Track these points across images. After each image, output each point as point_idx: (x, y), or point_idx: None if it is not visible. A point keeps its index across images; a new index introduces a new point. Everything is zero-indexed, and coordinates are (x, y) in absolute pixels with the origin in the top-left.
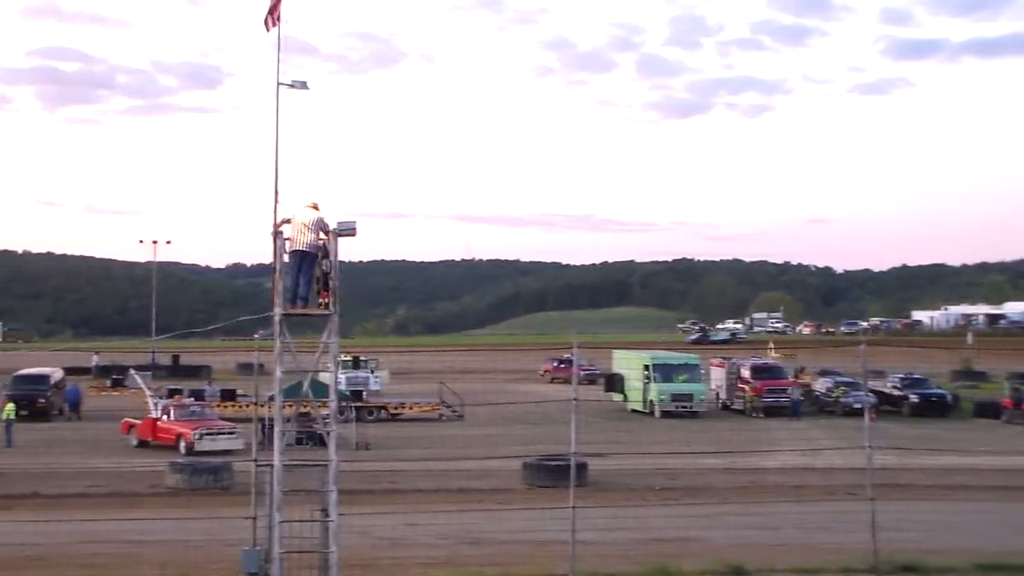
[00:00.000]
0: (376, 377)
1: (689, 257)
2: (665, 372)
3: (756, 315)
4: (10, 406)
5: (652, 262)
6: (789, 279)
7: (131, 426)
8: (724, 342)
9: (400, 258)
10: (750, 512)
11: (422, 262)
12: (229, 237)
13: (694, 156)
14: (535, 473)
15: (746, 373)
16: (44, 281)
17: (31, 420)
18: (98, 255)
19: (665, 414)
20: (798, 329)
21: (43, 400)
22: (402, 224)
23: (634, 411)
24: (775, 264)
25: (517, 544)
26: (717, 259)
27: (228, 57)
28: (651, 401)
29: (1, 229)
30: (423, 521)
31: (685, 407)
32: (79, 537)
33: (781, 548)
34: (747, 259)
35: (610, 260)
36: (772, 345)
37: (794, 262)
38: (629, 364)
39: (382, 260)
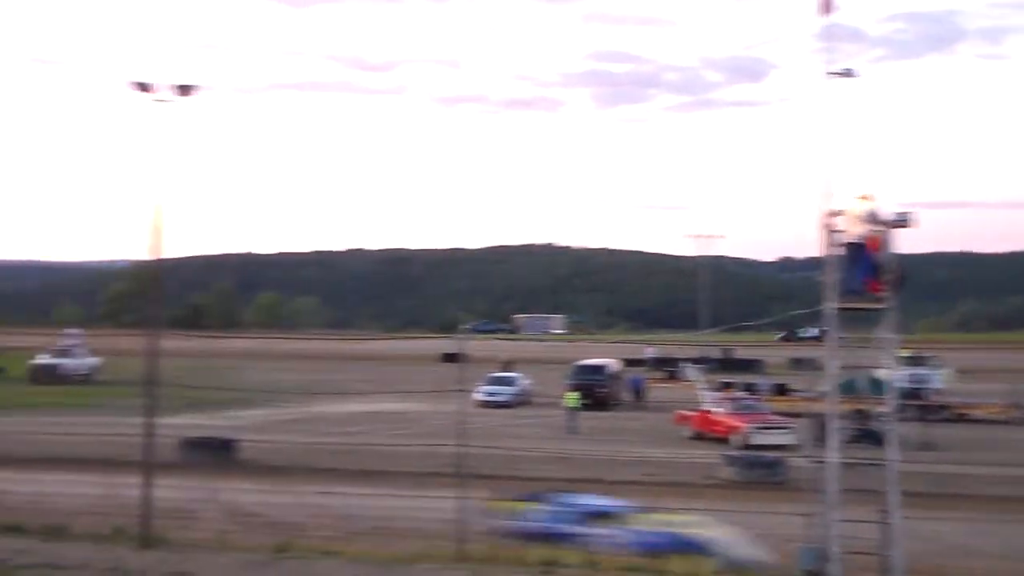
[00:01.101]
0: (939, 375)
1: None
2: None
3: None
4: (573, 395)
5: None
6: None
7: (685, 418)
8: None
9: (962, 249)
10: None
11: (987, 253)
12: (779, 230)
13: None
14: None
15: None
16: (601, 275)
17: (591, 408)
18: (650, 250)
19: None
20: None
21: (602, 389)
22: (962, 213)
23: None
24: None
25: None
26: None
27: (773, 49)
28: None
29: (563, 226)
30: (992, 530)
31: None
32: None
33: None
34: None
35: None
36: None
37: None
38: None
39: (942, 252)
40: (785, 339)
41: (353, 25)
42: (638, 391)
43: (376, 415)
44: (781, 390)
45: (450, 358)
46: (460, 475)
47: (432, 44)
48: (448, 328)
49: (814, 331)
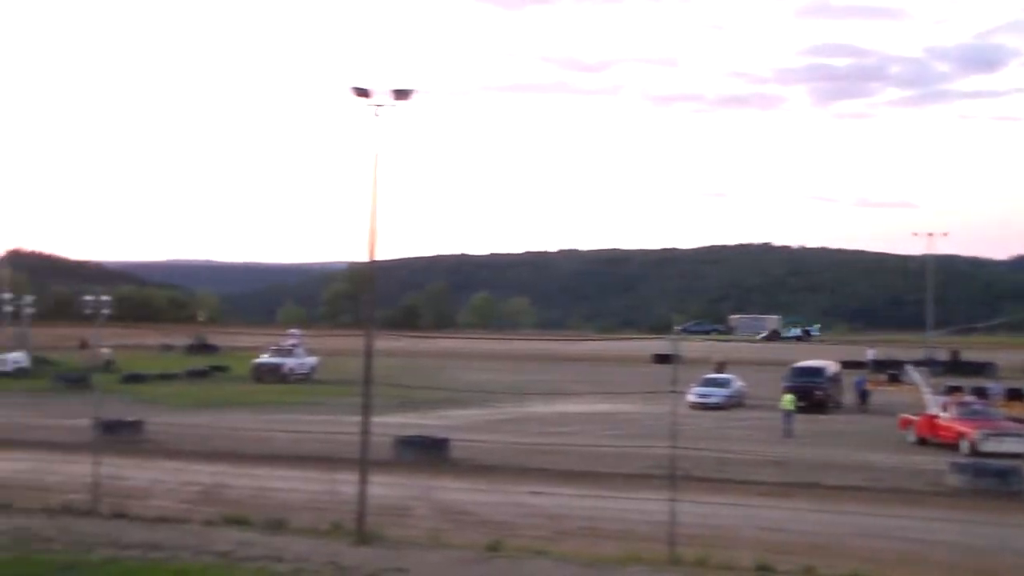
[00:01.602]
0: None
1: None
2: None
3: None
4: (789, 397)
5: None
6: None
7: (909, 422)
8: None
9: None
10: None
11: None
12: (1013, 227)
13: None
14: None
15: None
16: (819, 275)
17: (808, 411)
18: (871, 248)
19: None
20: None
21: (820, 392)
22: None
23: None
24: None
25: None
26: None
27: (1011, 36)
28: None
29: (779, 225)
30: None
31: None
32: (856, 529)
33: None
34: None
35: None
36: None
37: None
38: None
39: None
40: None
41: (567, 26)
42: (864, 394)
43: (587, 416)
44: (1017, 395)
45: (663, 359)
46: (672, 477)
47: (646, 42)
48: (661, 329)
49: None
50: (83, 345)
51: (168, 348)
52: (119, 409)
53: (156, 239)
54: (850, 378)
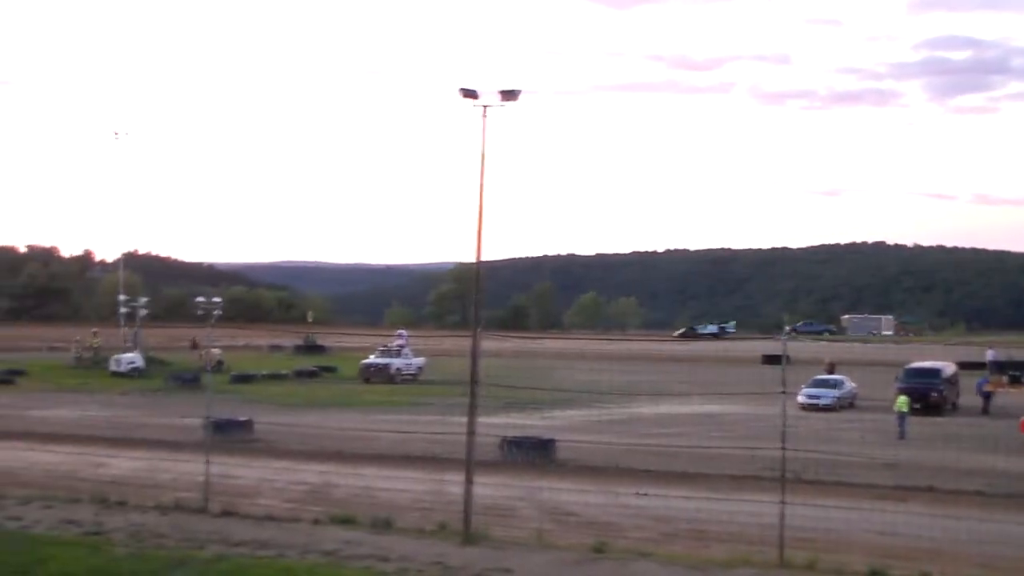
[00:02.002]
0: None
1: None
2: None
3: None
4: (903, 399)
5: None
6: None
7: None
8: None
9: None
10: None
11: None
12: None
13: None
14: None
15: None
16: (934, 274)
17: (923, 414)
18: (989, 247)
19: None
20: None
21: (936, 394)
22: None
23: None
24: None
25: None
26: None
27: None
28: None
29: (893, 223)
30: None
31: None
32: (973, 535)
33: None
34: None
35: None
36: None
37: None
38: None
39: None
40: None
41: (676, 24)
42: (987, 396)
43: (694, 417)
44: None
45: (771, 360)
46: (781, 479)
47: (758, 39)
48: (770, 329)
49: None
50: (193, 345)
51: (277, 349)
52: (230, 409)
53: (266, 241)
54: (969, 380)
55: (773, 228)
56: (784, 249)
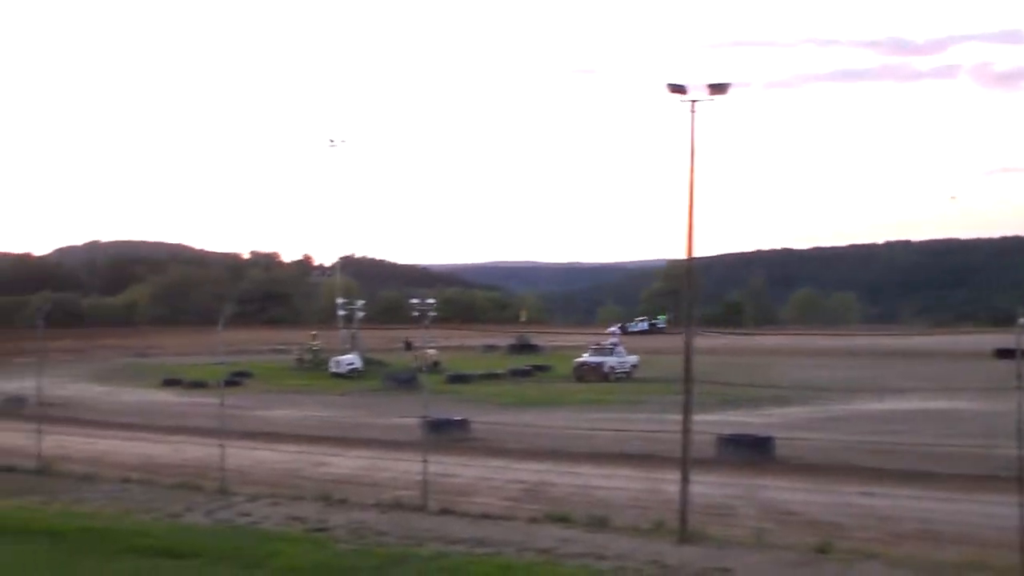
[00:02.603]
0: None
1: None
2: None
3: None
4: None
5: None
6: None
7: None
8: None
9: None
10: None
11: None
12: None
13: None
14: None
15: None
16: None
17: None
18: None
19: None
20: None
21: None
22: None
23: None
24: None
25: None
26: None
27: None
28: None
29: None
30: None
31: None
32: None
33: None
34: None
35: None
36: None
37: None
38: None
39: None
40: None
41: (890, 7)
42: None
43: (922, 413)
44: None
45: (1005, 354)
46: (1020, 479)
47: (984, 17)
48: (1003, 322)
49: None
50: (408, 346)
51: (491, 348)
52: (446, 408)
53: (479, 242)
54: None
55: (1007, 216)
56: (1016, 238)
